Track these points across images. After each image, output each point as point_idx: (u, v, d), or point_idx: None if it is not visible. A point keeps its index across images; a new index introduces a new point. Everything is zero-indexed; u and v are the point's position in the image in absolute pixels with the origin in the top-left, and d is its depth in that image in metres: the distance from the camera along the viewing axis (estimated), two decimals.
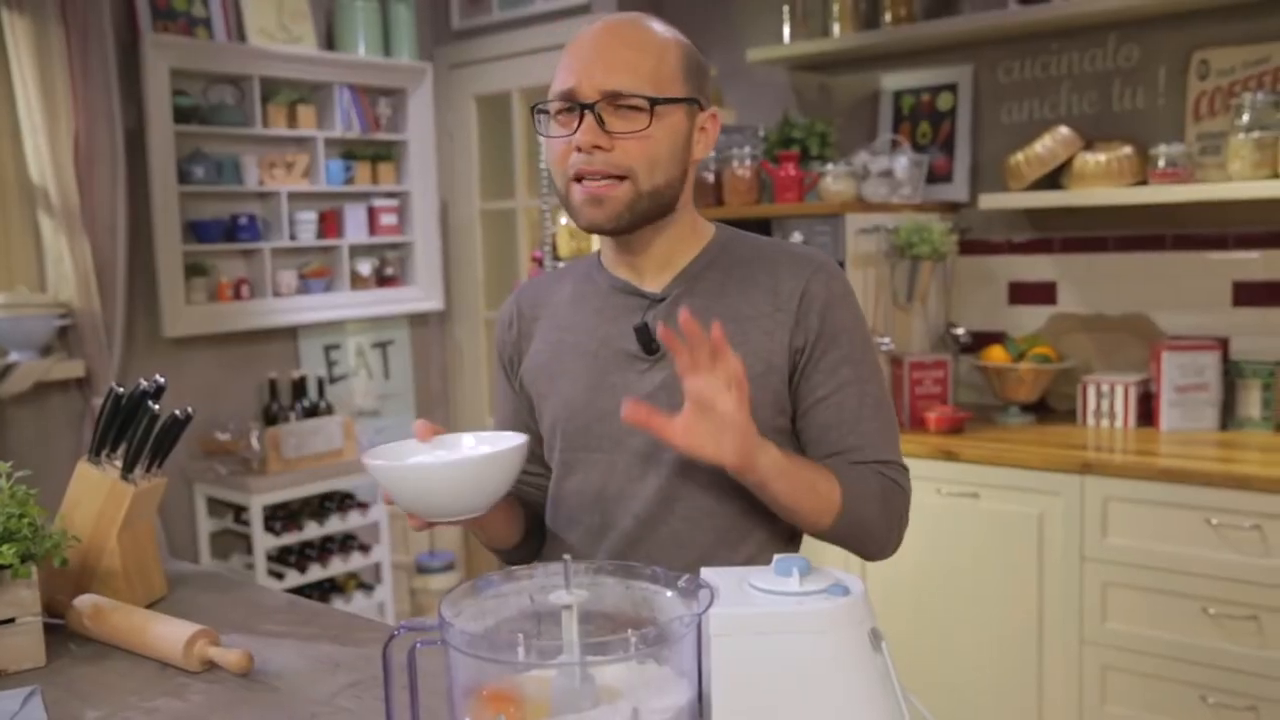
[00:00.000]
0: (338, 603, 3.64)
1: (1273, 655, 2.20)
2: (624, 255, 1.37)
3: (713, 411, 1.15)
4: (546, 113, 1.32)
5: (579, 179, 1.28)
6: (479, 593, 0.98)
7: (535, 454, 1.43)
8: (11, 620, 1.30)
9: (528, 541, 1.47)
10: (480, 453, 1.18)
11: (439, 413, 4.36)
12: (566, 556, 0.95)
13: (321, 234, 3.81)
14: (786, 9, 3.20)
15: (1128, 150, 2.69)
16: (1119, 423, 2.73)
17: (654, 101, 1.27)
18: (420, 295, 4.13)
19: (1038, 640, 2.50)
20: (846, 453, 1.32)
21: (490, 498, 1.18)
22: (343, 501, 3.72)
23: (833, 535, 1.31)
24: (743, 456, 1.18)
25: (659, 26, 1.32)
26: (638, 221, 1.31)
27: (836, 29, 3.09)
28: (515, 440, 1.19)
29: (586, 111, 1.26)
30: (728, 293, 1.34)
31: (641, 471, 1.33)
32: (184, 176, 3.46)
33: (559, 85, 1.30)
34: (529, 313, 1.46)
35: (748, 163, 3.03)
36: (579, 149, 1.27)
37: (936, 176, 3.14)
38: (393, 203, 4.02)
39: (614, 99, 1.26)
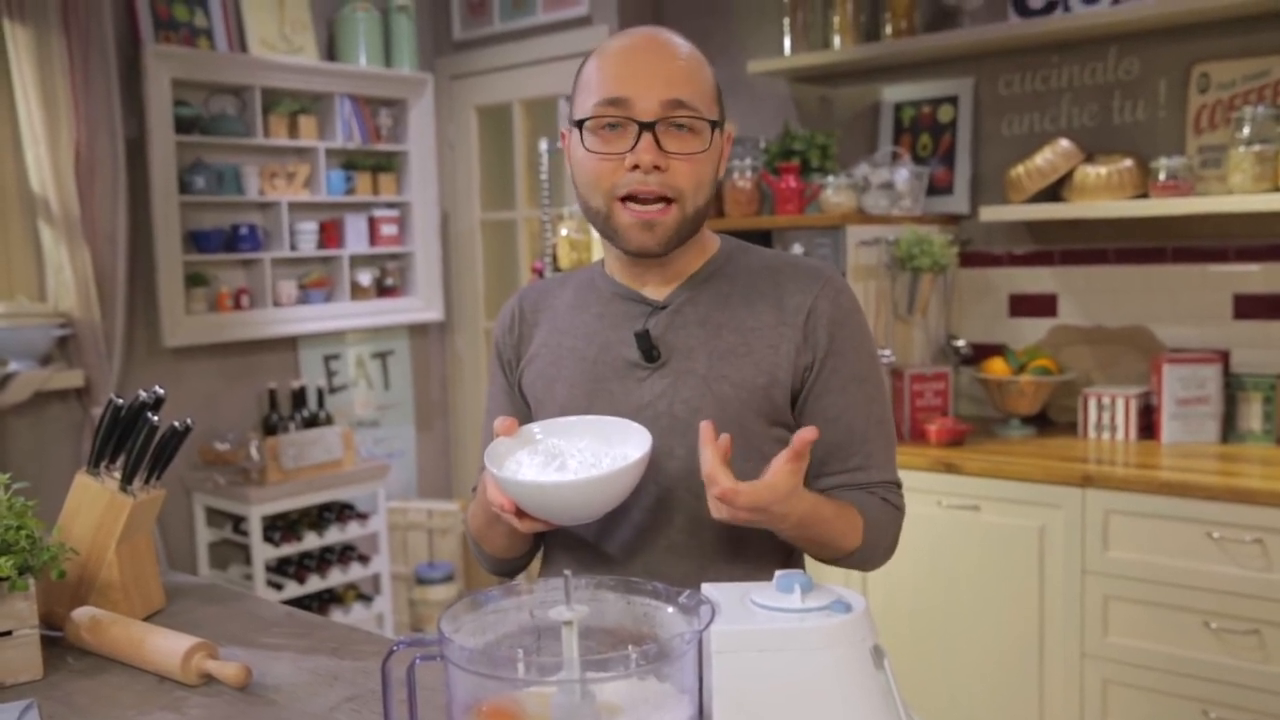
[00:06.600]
0: (336, 614, 3.64)
1: (1275, 669, 2.19)
2: (635, 265, 1.35)
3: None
4: (580, 126, 1.27)
5: (628, 199, 1.25)
6: (479, 608, 0.98)
7: None
8: (9, 633, 1.29)
9: (530, 553, 1.46)
10: (619, 466, 1.16)
11: (439, 423, 4.35)
12: (567, 572, 0.94)
13: (322, 244, 3.81)
14: (787, 21, 3.20)
15: (1128, 163, 2.69)
16: (1120, 435, 2.73)
17: (714, 124, 1.26)
18: (420, 305, 4.13)
19: (1039, 654, 2.49)
20: (852, 472, 1.32)
21: (620, 500, 1.19)
22: (342, 512, 3.71)
23: (837, 564, 1.34)
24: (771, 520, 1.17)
25: (686, 40, 1.30)
26: (680, 244, 1.30)
27: (837, 41, 3.10)
28: (643, 447, 1.18)
29: (646, 131, 1.22)
30: (732, 303, 1.33)
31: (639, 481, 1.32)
32: (185, 186, 3.46)
33: (604, 93, 1.24)
34: (530, 316, 1.44)
35: (748, 174, 3.03)
36: (637, 167, 1.22)
37: (937, 189, 3.14)
38: (393, 213, 4.02)
39: (677, 108, 1.22)
